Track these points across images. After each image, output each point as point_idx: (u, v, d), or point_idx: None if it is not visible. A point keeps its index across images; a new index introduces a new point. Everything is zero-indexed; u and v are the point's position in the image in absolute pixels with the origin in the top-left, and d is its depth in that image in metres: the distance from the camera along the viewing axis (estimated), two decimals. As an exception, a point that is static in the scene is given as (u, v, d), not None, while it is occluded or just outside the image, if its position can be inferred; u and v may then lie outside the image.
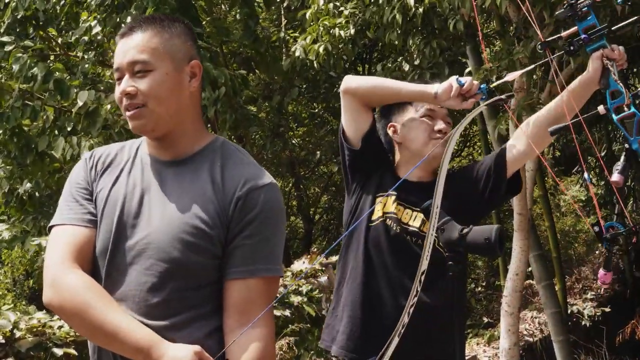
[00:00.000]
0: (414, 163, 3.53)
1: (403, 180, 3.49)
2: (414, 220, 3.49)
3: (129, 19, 7.83)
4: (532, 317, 11.33)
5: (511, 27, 6.96)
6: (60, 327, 5.79)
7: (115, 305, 2.42)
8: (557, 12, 3.10)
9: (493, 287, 13.78)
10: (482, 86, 3.34)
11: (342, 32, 7.45)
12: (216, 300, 2.47)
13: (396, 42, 7.21)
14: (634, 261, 12.20)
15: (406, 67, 8.12)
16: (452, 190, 3.17)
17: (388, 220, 3.50)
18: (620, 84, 3.00)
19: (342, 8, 7.54)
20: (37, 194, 9.44)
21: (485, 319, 12.50)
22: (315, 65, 7.97)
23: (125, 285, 2.46)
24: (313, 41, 7.71)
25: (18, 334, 5.58)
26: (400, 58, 8.81)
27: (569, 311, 10.35)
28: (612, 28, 3.01)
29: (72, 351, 5.65)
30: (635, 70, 11.41)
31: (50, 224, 2.59)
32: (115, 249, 2.50)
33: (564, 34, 3.09)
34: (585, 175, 3.18)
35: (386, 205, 3.54)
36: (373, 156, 3.64)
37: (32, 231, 8.71)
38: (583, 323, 10.79)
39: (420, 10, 6.34)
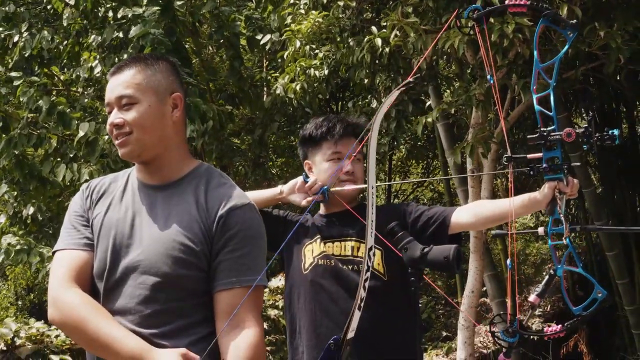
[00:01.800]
0: (330, 200, 3.51)
1: (321, 217, 3.55)
2: (344, 249, 3.44)
3: (125, 58, 7.82)
4: (486, 330, 11.28)
5: (468, 70, 7.00)
6: (57, 336, 5.75)
7: (110, 318, 2.45)
8: (529, 136, 3.12)
9: (450, 304, 13.76)
10: (324, 187, 3.44)
11: (317, 72, 7.46)
12: (204, 311, 2.49)
13: (365, 80, 7.23)
14: (577, 281, 12.21)
15: (374, 104, 8.17)
16: (382, 222, 3.12)
17: (320, 260, 3.44)
18: (563, 217, 3.05)
19: (317, 51, 7.56)
20: (39, 216, 9.38)
21: (444, 333, 12.47)
22: (294, 102, 7.99)
23: (122, 299, 2.50)
24: (291, 80, 7.73)
25: (18, 341, 5.54)
26: (370, 96, 8.85)
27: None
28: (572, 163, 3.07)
29: (68, 358, 5.62)
30: (578, 111, 11.49)
31: (53, 250, 2.65)
32: (112, 268, 2.53)
33: (529, 155, 3.12)
34: (508, 261, 3.22)
35: (314, 250, 3.48)
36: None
37: (33, 249, 8.61)
38: (531, 337, 10.77)
39: (387, 50, 6.35)
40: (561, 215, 3.06)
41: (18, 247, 8.33)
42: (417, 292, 3.02)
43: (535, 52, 3.15)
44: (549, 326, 3.12)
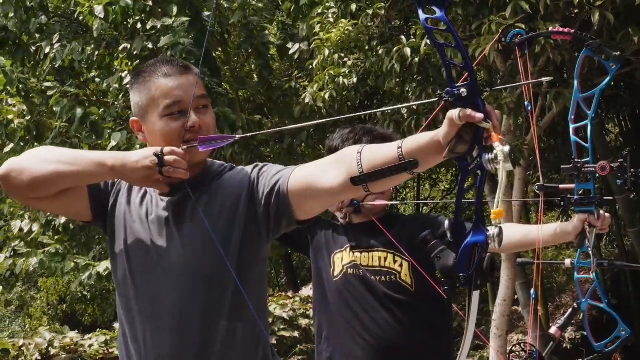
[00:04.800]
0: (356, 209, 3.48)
1: (351, 227, 3.50)
2: (372, 260, 3.41)
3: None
4: (517, 339, 11.23)
5: (498, 76, 6.97)
6: (90, 346, 5.77)
7: None
8: (562, 167, 3.10)
9: (482, 313, 13.69)
10: (354, 201, 3.38)
11: (345, 81, 7.48)
12: None
13: (395, 90, 7.22)
14: (610, 289, 12.12)
15: (404, 110, 8.16)
16: (412, 232, 3.13)
17: (349, 270, 3.42)
18: (591, 251, 3.03)
19: (345, 59, 7.57)
20: (71, 225, 9.43)
21: (476, 341, 12.42)
22: (323, 111, 7.99)
23: None
24: (320, 89, 7.74)
25: (53, 351, 5.57)
26: (398, 104, 8.84)
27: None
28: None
29: (102, 367, 5.64)
30: (610, 116, 11.42)
31: None
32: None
33: (561, 186, 3.10)
34: (532, 291, 3.20)
35: (343, 258, 3.47)
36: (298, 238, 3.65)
37: (67, 257, 8.66)
38: (564, 345, 10.68)
39: (417, 59, 6.35)
40: (589, 249, 3.03)
41: (53, 250, 8.39)
42: (450, 302, 3.00)
43: (575, 82, 3.12)
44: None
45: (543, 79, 2.35)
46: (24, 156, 2.42)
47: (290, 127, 2.49)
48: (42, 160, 2.36)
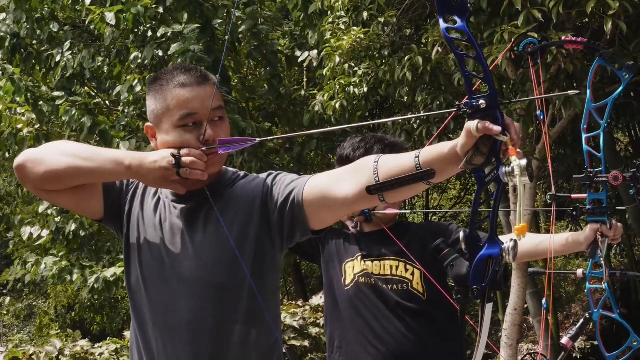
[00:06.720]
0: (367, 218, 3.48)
1: (362, 235, 3.50)
2: (384, 269, 3.41)
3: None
4: (527, 349, 11.21)
5: (510, 85, 6.97)
6: (101, 354, 5.76)
7: None
8: (575, 176, 3.09)
9: (492, 322, 13.66)
10: (365, 209, 3.37)
11: (356, 90, 7.48)
12: None
13: (405, 98, 7.21)
14: (620, 299, 12.07)
15: (413, 120, 8.17)
16: (424, 241, 3.17)
17: (361, 278, 3.42)
18: (603, 261, 3.03)
19: (356, 68, 7.57)
20: (81, 232, 9.43)
21: (486, 351, 12.40)
22: (333, 120, 7.99)
23: None
24: (330, 98, 7.74)
25: (63, 359, 5.56)
26: (409, 113, 8.83)
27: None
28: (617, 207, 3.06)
29: (112, 375, 5.63)
30: (620, 125, 11.39)
31: None
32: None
33: (573, 195, 3.10)
34: (543, 301, 3.20)
35: (355, 267, 3.46)
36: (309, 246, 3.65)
37: (76, 265, 8.66)
38: (575, 355, 10.64)
39: (428, 68, 6.34)
40: (601, 259, 3.03)
41: (57, 269, 8.40)
42: (464, 310, 2.98)
43: (588, 92, 3.11)
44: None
45: (559, 93, 2.36)
46: (43, 147, 2.43)
47: (311, 132, 2.48)
48: (60, 153, 2.37)
